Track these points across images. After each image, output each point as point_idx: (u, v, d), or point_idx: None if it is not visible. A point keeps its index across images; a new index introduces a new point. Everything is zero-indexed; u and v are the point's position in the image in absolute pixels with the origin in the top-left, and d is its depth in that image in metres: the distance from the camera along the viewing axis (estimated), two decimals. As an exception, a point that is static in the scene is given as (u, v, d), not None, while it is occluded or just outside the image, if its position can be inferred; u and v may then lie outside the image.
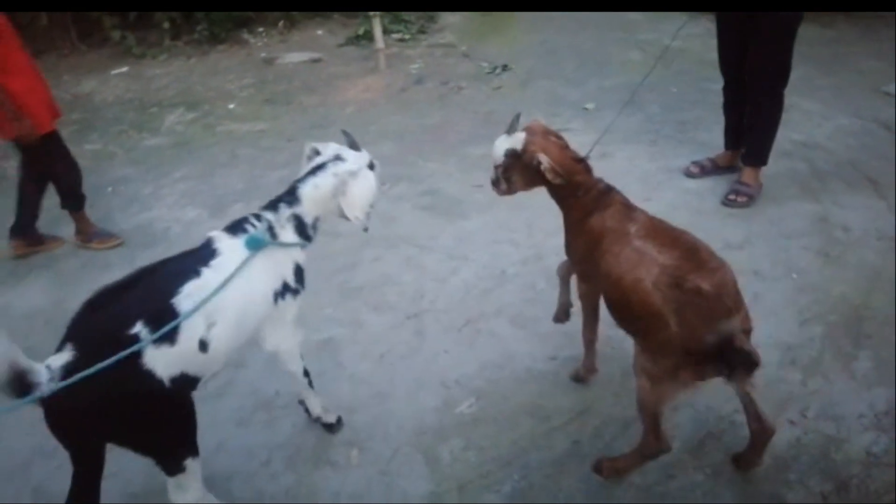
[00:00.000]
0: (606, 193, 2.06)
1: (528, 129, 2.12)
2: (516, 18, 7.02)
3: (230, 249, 1.84)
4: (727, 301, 1.75)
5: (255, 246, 1.86)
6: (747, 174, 3.46)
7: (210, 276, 1.75)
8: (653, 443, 1.92)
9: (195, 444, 1.80)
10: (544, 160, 2.01)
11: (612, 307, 2.03)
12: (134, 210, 3.99)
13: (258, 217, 1.94)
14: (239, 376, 2.58)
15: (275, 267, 1.93)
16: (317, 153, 2.09)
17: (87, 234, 3.63)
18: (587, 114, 4.71)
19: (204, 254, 1.82)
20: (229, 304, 1.75)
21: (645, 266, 1.84)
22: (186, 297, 1.67)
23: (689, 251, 1.85)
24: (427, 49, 6.45)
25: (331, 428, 2.31)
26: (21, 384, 1.49)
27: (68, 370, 1.52)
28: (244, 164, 4.45)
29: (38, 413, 2.47)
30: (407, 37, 6.72)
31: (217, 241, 1.86)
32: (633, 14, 6.67)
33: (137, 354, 1.58)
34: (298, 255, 2.00)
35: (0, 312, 3.13)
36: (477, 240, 3.36)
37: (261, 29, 7.14)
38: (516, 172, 2.14)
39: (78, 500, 1.76)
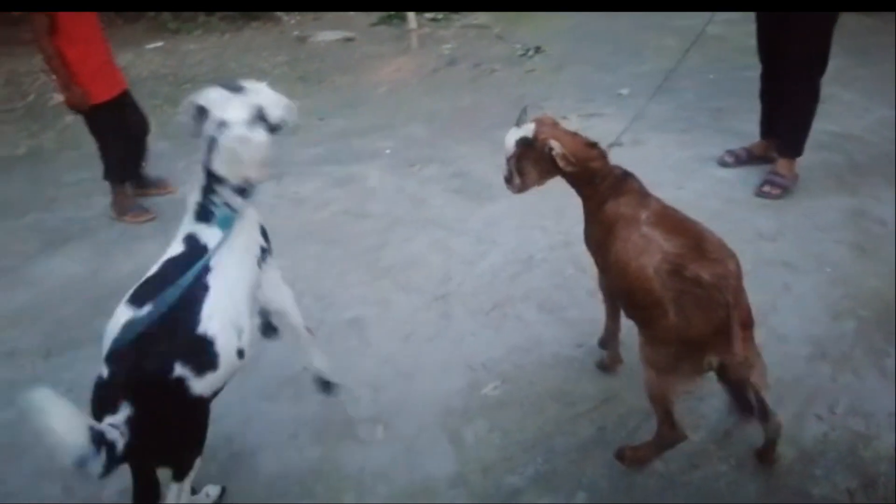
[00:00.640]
0: (623, 180, 2.04)
1: (538, 120, 2.11)
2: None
3: (212, 237, 1.78)
4: (726, 293, 1.72)
5: (228, 224, 1.80)
6: (782, 165, 3.40)
7: (217, 284, 1.71)
8: (667, 432, 1.93)
9: (203, 445, 1.82)
10: (556, 146, 2.00)
11: (619, 295, 2.04)
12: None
13: (209, 200, 1.82)
14: (266, 352, 2.62)
15: (249, 237, 1.91)
16: (201, 111, 1.81)
17: (123, 208, 3.70)
18: (621, 99, 4.66)
19: (195, 254, 1.75)
20: (242, 299, 1.78)
21: (649, 253, 1.83)
22: (209, 318, 1.66)
23: (694, 240, 1.83)
24: (460, 30, 6.41)
25: (327, 387, 2.30)
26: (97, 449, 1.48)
27: (133, 423, 1.54)
28: (277, 141, 4.46)
29: (75, 380, 2.55)
30: (439, 17, 6.68)
31: (201, 237, 1.79)
32: (671, -2, 6.54)
33: (185, 389, 1.61)
34: (256, 216, 1.96)
35: (37, 282, 3.21)
36: (506, 224, 3.36)
37: (294, 6, 7.15)
38: (529, 163, 2.11)
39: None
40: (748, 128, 3.83)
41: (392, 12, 6.65)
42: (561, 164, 2.01)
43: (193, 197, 1.83)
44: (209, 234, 1.80)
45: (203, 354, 1.65)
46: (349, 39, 6.33)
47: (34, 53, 6.17)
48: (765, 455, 2.05)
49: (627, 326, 2.33)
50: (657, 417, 1.93)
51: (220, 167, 1.79)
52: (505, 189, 3.72)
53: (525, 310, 2.74)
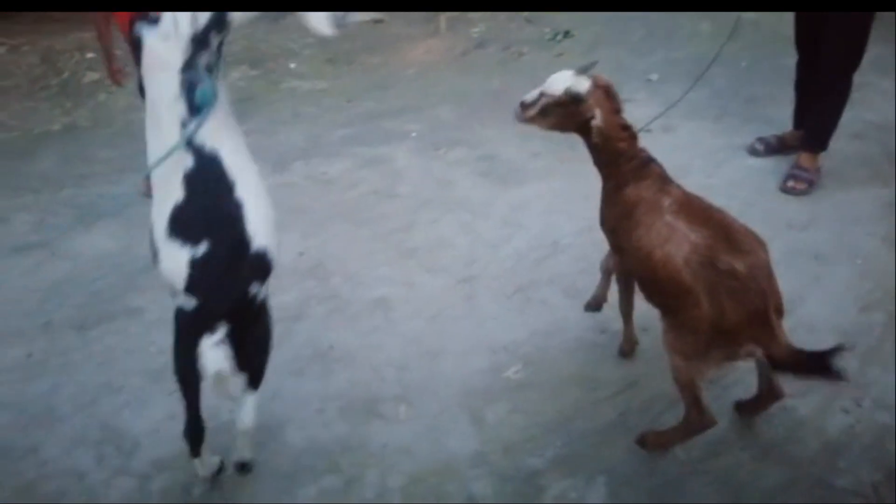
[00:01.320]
0: (646, 165, 2.02)
1: (596, 80, 2.02)
2: (582, -16, 6.83)
3: (227, 147, 1.75)
4: (761, 283, 1.74)
5: (208, 99, 1.71)
6: (805, 159, 3.32)
7: (246, 195, 1.72)
8: (696, 418, 1.93)
9: None
10: (599, 117, 1.96)
11: (640, 281, 2.03)
12: (198, 163, 4.11)
13: (193, 78, 1.70)
14: (295, 328, 2.67)
15: (236, 128, 1.87)
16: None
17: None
18: (651, 85, 4.60)
19: (219, 176, 1.71)
20: (264, 193, 1.82)
21: (675, 242, 1.82)
22: (256, 234, 1.72)
23: (722, 230, 1.83)
24: (489, 13, 6.36)
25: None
26: None
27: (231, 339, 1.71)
28: (306, 122, 4.51)
29: (108, 352, 2.63)
30: (469, -1, 6.63)
31: (203, 141, 1.70)
32: (705, -18, 6.41)
33: (258, 300, 1.81)
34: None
35: (72, 256, 3.28)
36: (532, 208, 3.35)
37: (324, -13, 7.15)
38: (562, 113, 2.06)
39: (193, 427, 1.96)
40: (781, 116, 3.76)
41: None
42: (594, 135, 1.99)
43: (174, 93, 1.68)
44: (208, 130, 1.71)
45: (263, 265, 1.76)
46: (378, 21, 6.31)
47: (69, 31, 6.28)
48: (748, 410, 2.09)
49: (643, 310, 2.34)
50: (685, 403, 1.94)
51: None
52: (532, 173, 3.75)
53: (549, 294, 2.75)
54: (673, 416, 2.14)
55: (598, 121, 1.97)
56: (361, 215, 3.39)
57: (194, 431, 1.95)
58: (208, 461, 2.05)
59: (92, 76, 5.35)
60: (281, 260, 2.94)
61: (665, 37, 5.42)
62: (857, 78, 3.25)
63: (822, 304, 2.57)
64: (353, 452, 2.15)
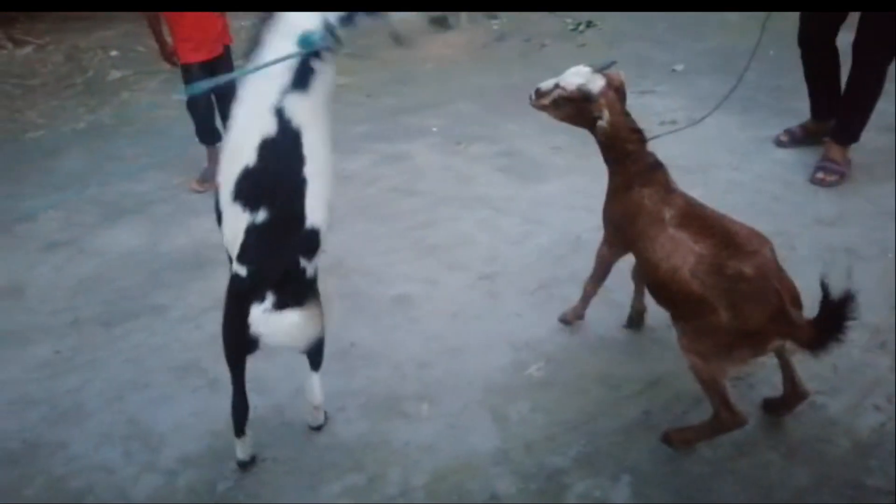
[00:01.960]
0: (653, 170, 2.05)
1: (609, 79, 2.07)
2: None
3: (311, 128, 1.79)
4: (773, 280, 1.75)
5: (309, 43, 1.80)
6: (835, 151, 3.24)
7: (312, 174, 1.79)
8: (727, 416, 1.90)
9: None
10: (606, 118, 2.01)
11: (650, 288, 2.06)
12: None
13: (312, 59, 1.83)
14: (317, 325, 2.68)
15: (326, 110, 1.91)
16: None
17: (204, 174, 3.81)
18: (675, 76, 4.53)
19: (293, 150, 1.78)
20: (329, 179, 1.87)
21: (680, 254, 1.86)
22: (312, 211, 1.80)
23: (724, 237, 1.85)
24: (510, 3, 6.31)
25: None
26: None
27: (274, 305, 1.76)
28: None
29: (134, 349, 2.66)
30: (490, -9, 6.58)
31: (292, 113, 1.78)
32: (731, -29, 6.30)
33: (305, 275, 1.85)
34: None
35: (98, 253, 3.33)
36: (553, 204, 3.32)
37: (344, -18, 7.14)
38: (573, 108, 2.10)
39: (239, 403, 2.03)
40: (808, 107, 3.68)
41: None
42: (598, 134, 2.06)
43: (281, 61, 1.77)
44: (302, 107, 1.78)
45: (312, 243, 1.83)
46: (398, 15, 6.31)
47: (92, 30, 6.35)
48: (777, 409, 2.07)
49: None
50: (712, 402, 1.92)
51: None
52: (553, 168, 3.72)
53: (571, 291, 2.71)
54: (697, 415, 2.11)
55: (604, 122, 2.01)
56: (381, 212, 3.39)
57: (240, 407, 2.01)
58: (248, 445, 2.09)
59: (115, 74, 5.42)
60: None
61: (691, 27, 5.34)
62: (890, 68, 3.16)
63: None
64: (375, 450, 2.15)
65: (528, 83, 4.66)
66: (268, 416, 2.29)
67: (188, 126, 3.87)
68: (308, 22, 1.83)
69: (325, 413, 2.23)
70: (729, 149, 3.57)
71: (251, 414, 2.30)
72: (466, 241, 3.11)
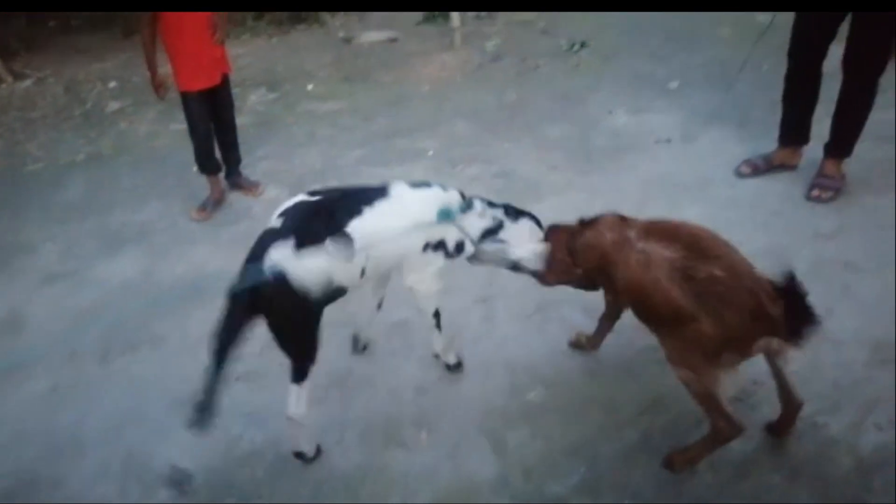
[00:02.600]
0: (590, 224, 2.15)
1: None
2: (597, -8, 6.80)
3: (402, 197, 2.11)
4: (745, 280, 1.75)
5: (443, 218, 2.14)
6: (830, 166, 3.23)
7: (369, 215, 2.03)
8: (724, 427, 1.89)
9: (315, 356, 2.12)
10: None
11: (636, 311, 2.05)
12: (218, 188, 4.15)
13: (464, 197, 2.25)
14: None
15: (442, 228, 2.17)
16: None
17: (204, 202, 3.84)
18: (671, 93, 4.54)
19: (374, 193, 2.09)
20: (383, 237, 2.04)
21: (655, 265, 1.87)
22: (352, 230, 1.99)
23: (689, 243, 1.86)
24: (504, 26, 6.35)
25: (449, 368, 2.50)
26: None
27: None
28: (323, 143, 4.54)
29: (132, 381, 2.65)
30: (483, 14, 6.63)
31: (394, 188, 2.12)
32: (723, -15, 6.33)
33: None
34: (468, 242, 2.27)
35: (97, 284, 3.33)
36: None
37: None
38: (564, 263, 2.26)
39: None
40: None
41: (435, 12, 6.63)
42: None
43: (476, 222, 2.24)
44: (400, 189, 2.13)
45: None
46: (393, 39, 6.35)
47: (91, 62, 6.43)
48: (778, 429, 2.06)
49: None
50: (708, 413, 1.91)
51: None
52: (550, 187, 3.72)
53: (568, 313, 2.71)
54: (698, 436, 2.08)
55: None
56: (379, 236, 3.38)
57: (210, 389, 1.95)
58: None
59: (113, 105, 5.47)
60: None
61: (684, 43, 5.36)
62: (885, 80, 3.16)
63: (853, 316, 2.49)
64: (373, 481, 2.13)
65: (523, 103, 4.73)
66: (264, 450, 2.28)
67: (187, 155, 3.89)
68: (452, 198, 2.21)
69: (318, 447, 2.24)
70: (726, 164, 3.56)
71: (248, 447, 2.29)
72: (463, 264, 3.08)
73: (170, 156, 4.53)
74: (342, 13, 7.16)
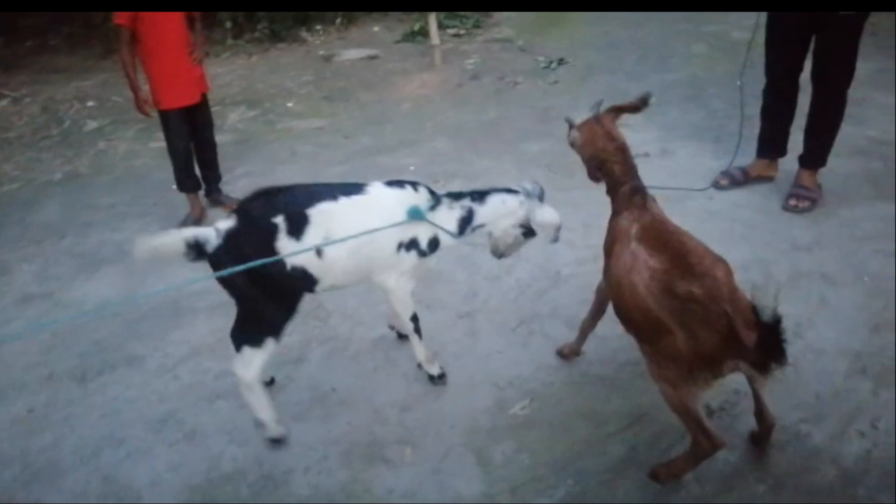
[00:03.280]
0: (634, 193, 2.10)
1: (597, 115, 2.22)
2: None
3: (377, 194, 2.17)
4: (722, 303, 1.74)
5: (414, 217, 2.16)
6: (806, 177, 3.30)
7: (344, 203, 2.10)
8: (704, 442, 1.89)
9: (281, 333, 2.20)
10: (574, 133, 2.20)
11: (616, 312, 2.06)
12: (198, 206, 4.12)
13: (433, 193, 2.25)
14: (297, 371, 2.64)
15: (412, 226, 2.19)
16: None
17: (184, 220, 3.82)
18: (648, 109, 4.58)
19: (351, 187, 2.16)
20: (350, 231, 2.06)
21: (637, 270, 1.88)
22: (318, 212, 2.07)
23: (677, 255, 1.86)
24: (483, 44, 6.43)
25: (432, 379, 2.49)
26: (198, 249, 2.03)
27: (229, 234, 2.04)
28: (303, 160, 4.53)
29: (110, 403, 2.60)
30: (462, 32, 6.71)
31: (370, 185, 2.19)
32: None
33: (273, 237, 2.04)
34: (444, 235, 2.26)
35: (74, 305, 3.27)
36: (532, 238, 3.32)
37: (319, 27, 7.25)
38: (574, 146, 2.26)
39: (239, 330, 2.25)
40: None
41: (415, 29, 6.69)
42: (576, 147, 2.21)
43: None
44: (378, 188, 2.18)
45: (299, 223, 2.07)
46: (373, 57, 6.39)
47: (69, 81, 6.38)
48: (757, 440, 2.08)
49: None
50: (688, 429, 1.91)
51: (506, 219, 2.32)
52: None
53: (552, 326, 2.71)
54: (683, 449, 2.08)
55: (572, 134, 2.19)
56: (361, 253, 3.37)
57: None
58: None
59: (92, 124, 5.42)
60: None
61: (660, 60, 5.46)
62: (857, 94, 3.24)
63: (832, 326, 2.52)
64: (357, 499, 2.10)
65: (502, 120, 4.77)
66: (246, 469, 2.24)
67: (166, 173, 3.86)
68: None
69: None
70: (704, 177, 3.61)
71: (230, 466, 2.25)
72: (444, 278, 3.10)
73: (149, 174, 4.50)
74: (322, 31, 7.19)
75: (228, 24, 7.08)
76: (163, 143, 3.78)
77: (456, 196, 2.28)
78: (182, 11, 3.57)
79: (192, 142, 3.78)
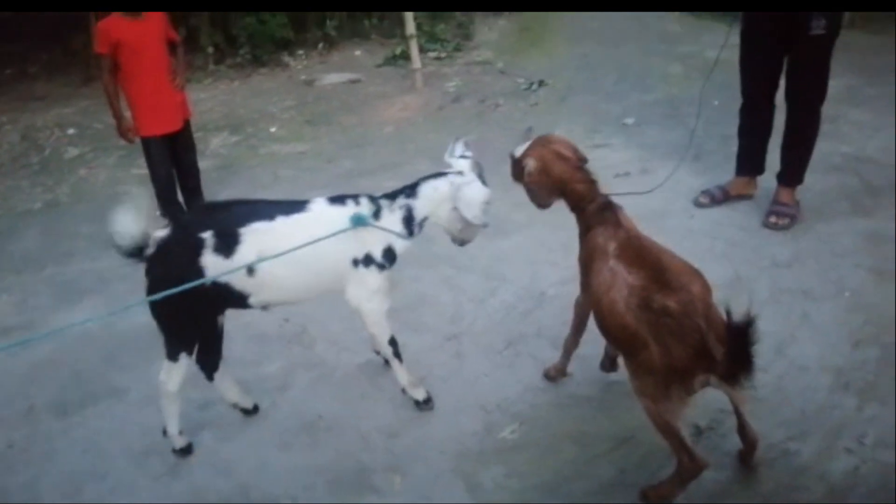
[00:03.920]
0: (605, 208, 2.11)
1: (536, 139, 2.24)
2: (553, 32, 7.00)
3: (319, 213, 2.17)
4: (696, 318, 1.77)
5: (357, 223, 2.15)
6: (784, 194, 3.35)
7: (281, 223, 2.12)
8: (687, 463, 1.90)
9: (193, 347, 2.26)
10: (530, 163, 2.16)
11: (598, 326, 2.09)
12: (180, 233, 4.09)
13: (373, 199, 2.25)
14: (282, 398, 2.61)
15: (361, 238, 2.19)
16: (459, 151, 2.38)
17: None
18: (627, 129, 4.66)
19: (291, 206, 2.18)
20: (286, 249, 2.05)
21: (617, 287, 1.91)
22: (252, 231, 2.09)
23: (656, 269, 1.89)
24: (463, 67, 6.49)
25: (418, 405, 2.47)
26: (136, 247, 2.07)
27: (160, 244, 2.09)
28: (286, 184, 4.52)
29: (92, 436, 2.55)
30: (443, 55, 6.77)
31: (313, 203, 2.19)
32: (673, 26, 6.60)
33: (198, 251, 2.06)
34: (395, 240, 2.25)
35: (54, 336, 3.22)
36: (515, 259, 3.34)
37: (301, 51, 7.27)
38: (523, 179, 2.24)
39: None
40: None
41: (397, 52, 6.74)
42: (534, 179, 2.16)
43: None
44: (321, 206, 2.19)
45: (229, 240, 2.09)
46: (355, 81, 6.42)
47: (49, 108, 6.34)
48: (743, 459, 2.08)
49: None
50: (672, 449, 1.92)
51: (445, 203, 2.26)
52: (513, 224, 3.75)
53: (538, 347, 2.71)
54: (672, 469, 2.08)
55: (529, 166, 2.16)
56: (345, 277, 3.36)
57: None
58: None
59: (72, 152, 5.38)
60: (265, 328, 2.93)
61: (638, 81, 5.53)
62: (830, 110, 3.30)
63: (814, 342, 2.54)
64: (346, 529, 2.08)
65: (484, 142, 4.79)
66: (232, 497, 2.20)
67: (149, 200, 3.83)
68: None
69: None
70: (683, 196, 3.65)
71: (214, 497, 2.21)
72: (429, 301, 3.10)
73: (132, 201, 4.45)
74: (304, 56, 7.22)
75: (210, 50, 7.09)
76: (145, 170, 3.76)
77: (391, 196, 2.28)
78: (164, 37, 3.59)
79: (174, 168, 3.77)
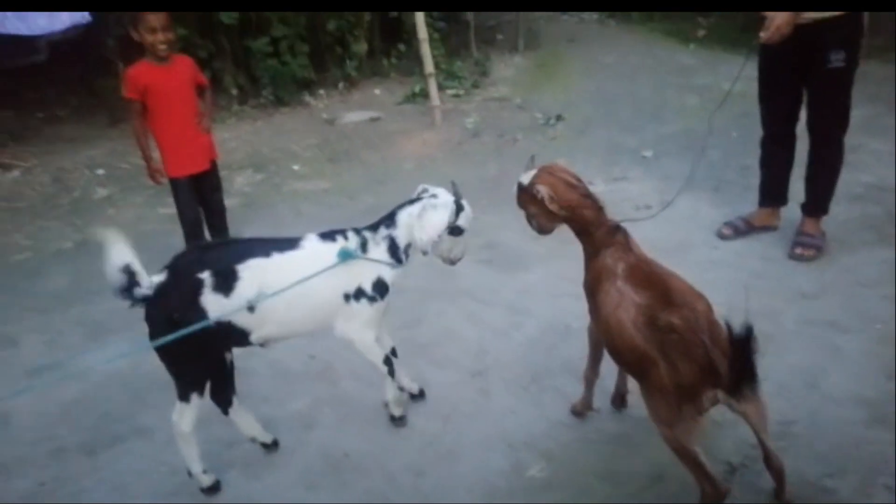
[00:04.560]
0: (612, 233, 2.14)
1: (542, 168, 2.27)
2: (568, 68, 7.09)
3: (312, 249, 2.22)
4: (700, 334, 1.79)
5: (345, 257, 2.21)
6: (810, 225, 3.34)
7: (277, 260, 2.16)
8: (709, 490, 1.89)
9: (203, 386, 2.26)
10: (542, 189, 2.17)
11: (609, 350, 2.11)
12: (206, 271, 4.14)
13: (357, 232, 2.32)
14: (309, 436, 2.61)
15: (351, 272, 2.25)
16: (425, 191, 2.49)
17: None
18: (646, 162, 4.68)
19: (286, 244, 2.23)
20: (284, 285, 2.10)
21: (625, 307, 1.94)
22: (248, 267, 2.13)
23: (661, 291, 1.92)
24: (482, 103, 6.57)
25: (393, 420, 2.56)
26: (130, 288, 2.11)
27: (158, 288, 2.13)
28: (308, 221, 4.57)
29: (120, 476, 2.56)
30: (461, 92, 6.87)
31: (305, 240, 2.25)
32: (688, 59, 6.66)
33: (198, 292, 2.09)
34: (384, 271, 2.32)
35: (83, 376, 3.26)
36: (539, 293, 3.34)
37: (322, 91, 7.42)
38: (530, 206, 2.28)
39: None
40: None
41: (416, 90, 6.85)
42: (549, 205, 2.17)
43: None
44: (313, 242, 2.26)
45: (227, 278, 2.13)
46: (375, 119, 6.52)
47: (79, 150, 6.50)
48: (778, 494, 2.03)
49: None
50: (694, 476, 1.91)
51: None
52: (535, 257, 3.77)
53: (564, 382, 2.70)
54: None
55: (543, 192, 2.17)
56: (369, 313, 3.37)
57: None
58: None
59: (101, 192, 5.50)
60: (291, 364, 2.94)
61: (654, 113, 5.57)
62: (851, 140, 3.29)
63: (846, 375, 2.51)
64: (374, 571, 2.06)
65: (503, 176, 4.84)
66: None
67: (176, 239, 3.90)
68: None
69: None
70: (705, 227, 3.64)
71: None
72: (454, 336, 3.10)
73: (158, 240, 4.53)
74: (325, 95, 7.37)
75: (234, 91, 7.26)
76: (172, 209, 3.83)
77: (373, 228, 2.36)
78: (192, 81, 3.68)
79: (201, 207, 3.85)
